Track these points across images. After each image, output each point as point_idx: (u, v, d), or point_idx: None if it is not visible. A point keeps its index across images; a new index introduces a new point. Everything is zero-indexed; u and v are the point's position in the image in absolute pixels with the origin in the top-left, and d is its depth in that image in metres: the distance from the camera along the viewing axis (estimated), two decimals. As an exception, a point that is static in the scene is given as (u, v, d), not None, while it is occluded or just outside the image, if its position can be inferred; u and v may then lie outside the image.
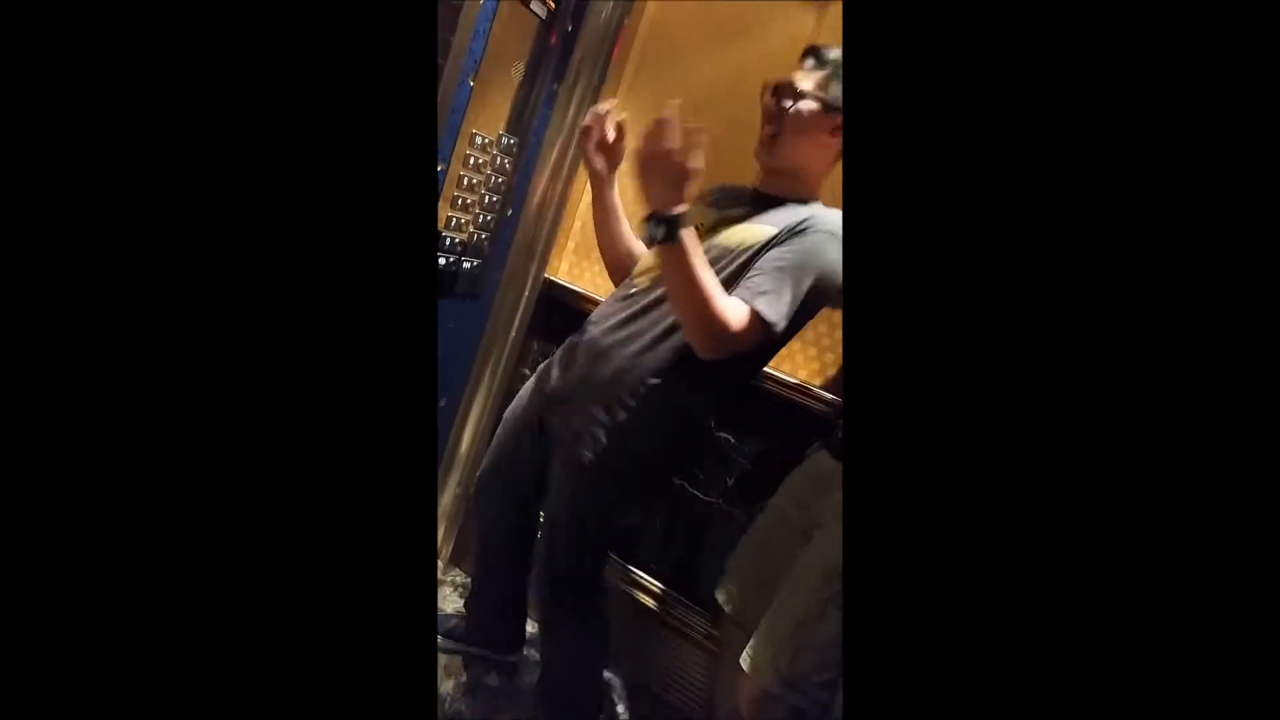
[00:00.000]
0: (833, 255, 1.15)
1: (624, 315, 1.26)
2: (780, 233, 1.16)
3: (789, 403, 1.60)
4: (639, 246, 1.43)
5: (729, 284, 1.15)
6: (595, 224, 1.42)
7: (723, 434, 1.66)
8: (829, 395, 1.57)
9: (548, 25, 1.76)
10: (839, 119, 1.20)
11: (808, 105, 1.20)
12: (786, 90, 1.22)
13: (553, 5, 1.74)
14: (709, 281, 1.07)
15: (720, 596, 1.37)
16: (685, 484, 1.70)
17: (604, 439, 1.23)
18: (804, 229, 1.15)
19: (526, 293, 1.82)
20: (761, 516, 1.39)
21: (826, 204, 1.28)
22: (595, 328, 1.31)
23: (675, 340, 1.20)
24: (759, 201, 1.26)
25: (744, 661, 1.17)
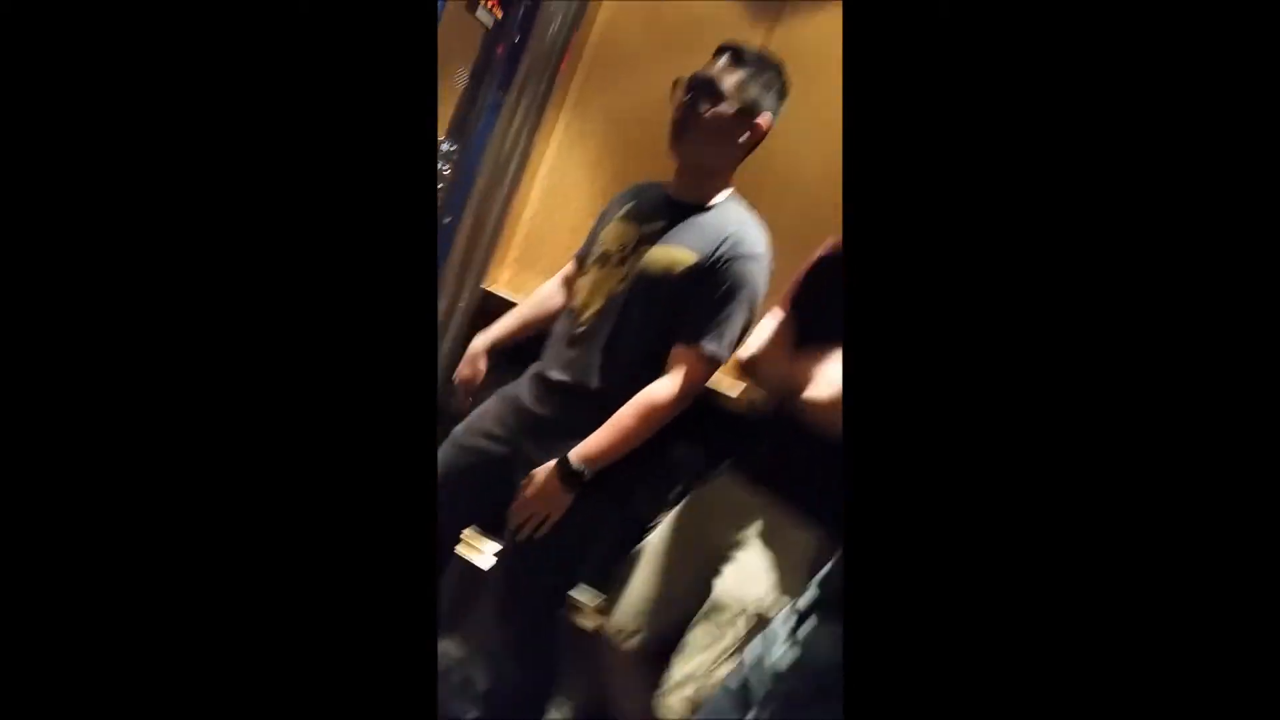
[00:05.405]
0: (759, 281, 1.19)
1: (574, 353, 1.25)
2: (704, 258, 1.17)
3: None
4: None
5: (662, 306, 1.19)
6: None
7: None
8: (733, 395, 1.51)
9: (494, 35, 1.74)
10: (750, 122, 1.19)
11: (725, 109, 1.18)
12: (704, 90, 1.18)
13: (499, 14, 1.72)
14: (631, 424, 1.16)
15: (610, 621, 1.27)
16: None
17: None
18: (729, 256, 1.17)
19: (462, 304, 1.77)
20: (658, 534, 1.31)
21: (739, 191, 1.27)
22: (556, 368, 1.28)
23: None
24: (674, 209, 1.24)
25: (659, 708, 1.13)
